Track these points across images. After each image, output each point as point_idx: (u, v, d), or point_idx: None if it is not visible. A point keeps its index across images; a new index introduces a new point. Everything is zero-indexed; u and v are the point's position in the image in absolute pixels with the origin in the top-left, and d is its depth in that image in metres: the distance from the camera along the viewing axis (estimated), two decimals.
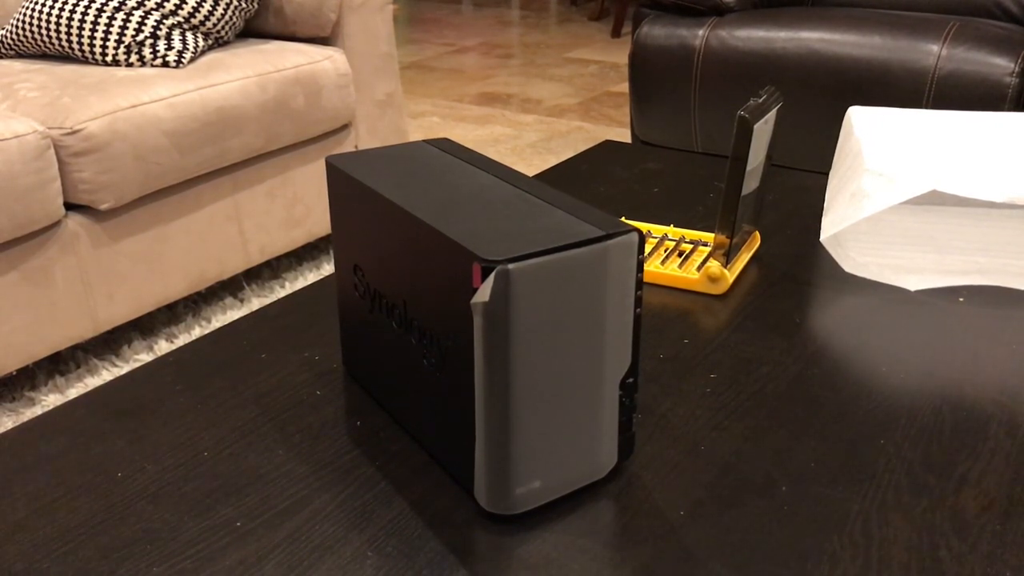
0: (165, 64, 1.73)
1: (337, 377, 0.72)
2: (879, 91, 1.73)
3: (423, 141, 0.70)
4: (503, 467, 0.55)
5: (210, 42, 1.83)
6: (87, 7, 1.72)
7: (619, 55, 4.02)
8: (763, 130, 0.81)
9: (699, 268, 0.85)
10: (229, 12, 1.82)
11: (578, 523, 0.56)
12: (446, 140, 0.70)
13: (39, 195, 1.46)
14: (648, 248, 0.89)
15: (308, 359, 0.74)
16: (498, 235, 0.53)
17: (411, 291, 0.58)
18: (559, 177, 1.11)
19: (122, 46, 1.72)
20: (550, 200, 0.58)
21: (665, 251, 0.89)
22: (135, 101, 1.58)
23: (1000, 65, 1.64)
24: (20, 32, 1.78)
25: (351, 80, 1.94)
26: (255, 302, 1.91)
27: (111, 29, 1.72)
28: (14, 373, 1.66)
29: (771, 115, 0.83)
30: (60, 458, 0.63)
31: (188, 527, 0.56)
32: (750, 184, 0.83)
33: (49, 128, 1.50)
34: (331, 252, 2.14)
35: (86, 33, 1.72)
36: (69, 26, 1.73)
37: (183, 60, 1.74)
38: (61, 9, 1.73)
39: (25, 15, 1.77)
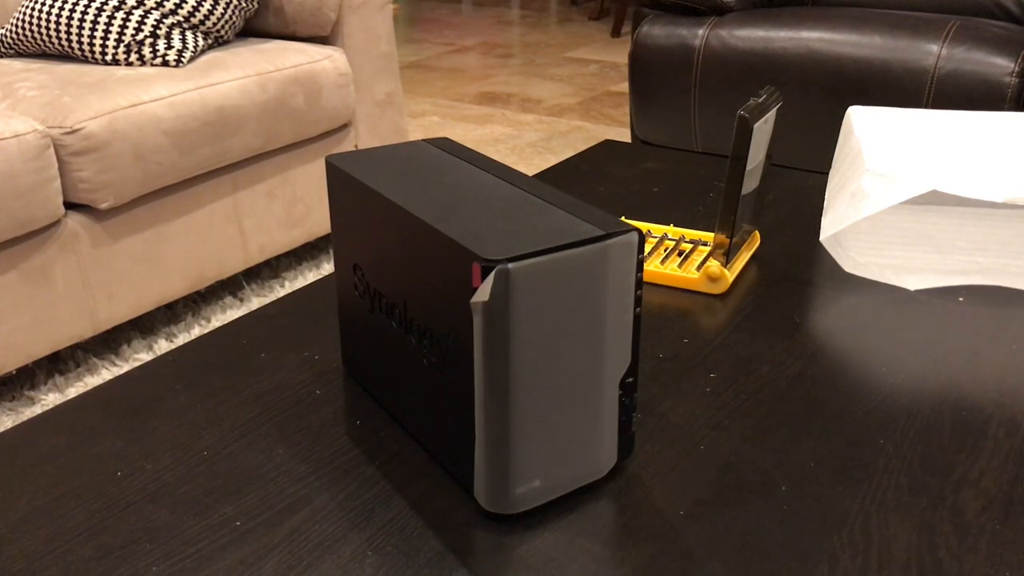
0: (165, 63, 1.73)
1: (337, 377, 0.72)
2: (879, 91, 1.73)
3: (423, 140, 0.70)
4: (503, 467, 0.55)
5: (210, 41, 1.83)
6: (87, 6, 1.72)
7: (619, 55, 4.02)
8: (763, 130, 0.81)
9: (699, 268, 0.85)
10: (229, 11, 1.82)
11: (578, 523, 0.56)
12: (446, 139, 0.70)
13: (39, 194, 1.46)
14: (648, 248, 0.89)
15: (308, 359, 0.74)
16: (498, 234, 0.53)
17: (411, 291, 0.58)
18: (559, 177, 1.11)
19: (122, 45, 1.72)
20: (550, 199, 0.58)
21: (665, 251, 0.89)
22: (135, 100, 1.58)
23: (1000, 65, 1.64)
24: (20, 31, 1.78)
25: (351, 79, 1.94)
26: (255, 301, 1.90)
27: (111, 28, 1.72)
28: (14, 372, 1.65)
29: (771, 115, 0.83)
30: (60, 457, 0.63)
31: (188, 526, 0.56)
32: (750, 184, 0.83)
33: (49, 127, 1.50)
34: (331, 251, 2.14)
35: (86, 32, 1.72)
36: (69, 25, 1.73)
37: (183, 59, 1.74)
38: (61, 8, 1.73)
39: (25, 14, 1.77)
